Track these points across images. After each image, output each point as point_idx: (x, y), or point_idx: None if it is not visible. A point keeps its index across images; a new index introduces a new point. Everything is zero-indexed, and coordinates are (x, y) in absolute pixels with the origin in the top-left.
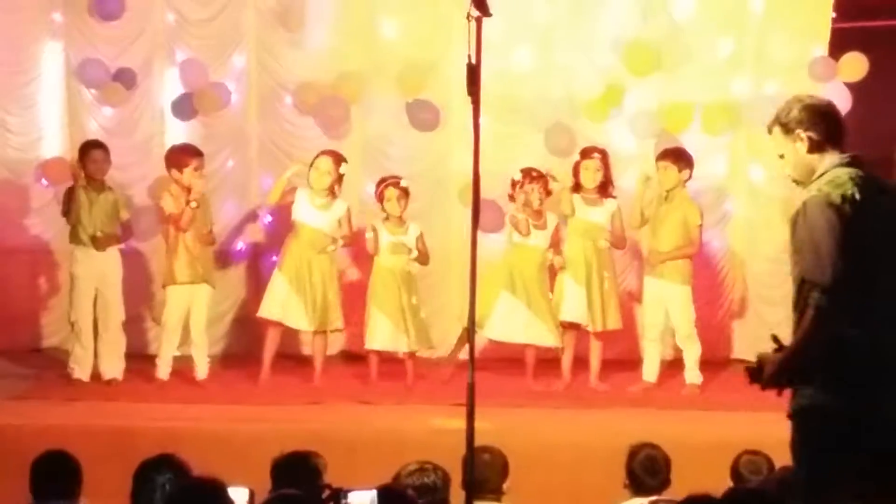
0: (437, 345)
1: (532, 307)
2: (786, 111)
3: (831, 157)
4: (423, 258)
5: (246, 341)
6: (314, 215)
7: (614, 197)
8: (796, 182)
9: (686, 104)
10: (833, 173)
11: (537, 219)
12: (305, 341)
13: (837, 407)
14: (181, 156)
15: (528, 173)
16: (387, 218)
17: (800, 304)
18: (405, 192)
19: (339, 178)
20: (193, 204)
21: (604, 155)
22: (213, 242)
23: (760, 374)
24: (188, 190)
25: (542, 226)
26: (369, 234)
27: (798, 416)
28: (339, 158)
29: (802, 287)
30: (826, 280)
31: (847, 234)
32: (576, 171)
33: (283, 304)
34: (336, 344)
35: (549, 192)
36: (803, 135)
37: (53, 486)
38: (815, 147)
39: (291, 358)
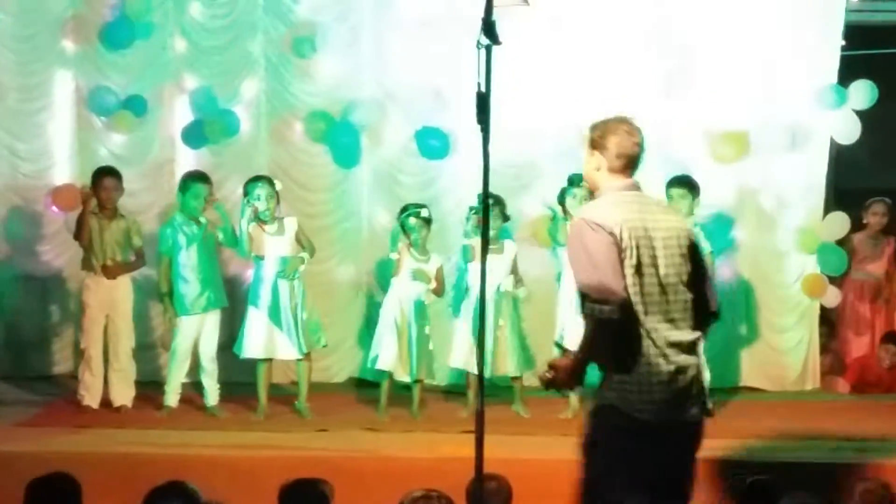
0: (438, 376)
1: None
2: (594, 128)
3: (618, 180)
4: (439, 289)
5: (253, 368)
6: (272, 243)
7: None
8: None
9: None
10: (618, 195)
11: (493, 244)
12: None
13: (621, 405)
14: (191, 181)
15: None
16: (410, 244)
17: (584, 311)
18: (427, 222)
19: (278, 199)
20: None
21: None
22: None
23: (553, 381)
24: (196, 220)
25: (498, 249)
26: (395, 256)
27: (592, 416)
28: (269, 180)
29: (583, 296)
30: (602, 293)
31: (618, 250)
32: (562, 199)
33: (265, 339)
34: (345, 370)
35: (505, 218)
36: (599, 154)
37: None
38: (607, 167)
39: (295, 384)
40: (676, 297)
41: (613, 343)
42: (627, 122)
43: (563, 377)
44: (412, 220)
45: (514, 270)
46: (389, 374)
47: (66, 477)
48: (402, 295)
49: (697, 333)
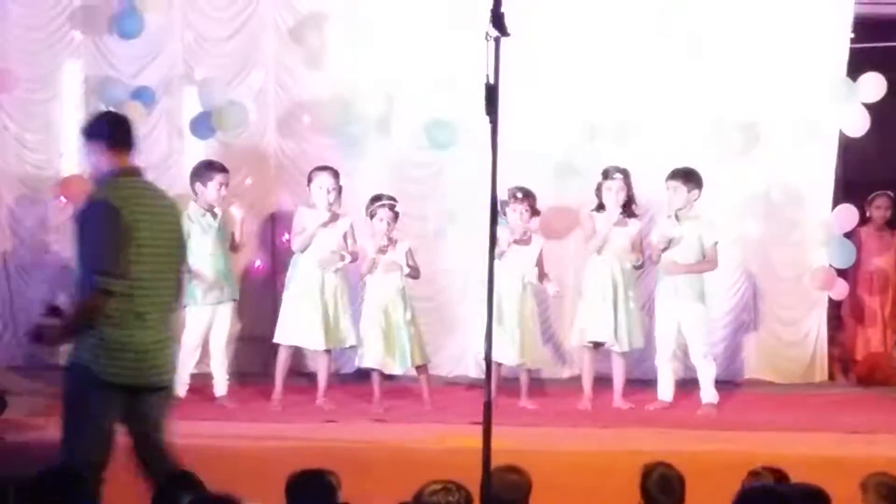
0: (435, 360)
1: (517, 327)
2: (90, 120)
3: (118, 162)
4: (414, 272)
5: (262, 359)
6: (321, 234)
7: (637, 216)
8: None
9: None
10: (118, 180)
11: (522, 236)
12: (310, 358)
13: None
14: (206, 171)
15: (512, 194)
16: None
17: (79, 281)
18: (396, 215)
19: (339, 193)
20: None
21: (626, 175)
22: (237, 250)
23: (41, 337)
24: (211, 211)
25: (525, 241)
26: (372, 255)
27: (67, 371)
28: (336, 173)
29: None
30: (101, 266)
31: (119, 228)
32: (598, 191)
33: (298, 326)
34: (352, 362)
35: (535, 213)
36: (99, 142)
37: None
38: (107, 153)
39: (304, 376)
40: (164, 277)
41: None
42: None
43: (54, 339)
44: (382, 212)
45: (538, 264)
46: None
47: (73, 470)
48: (378, 289)
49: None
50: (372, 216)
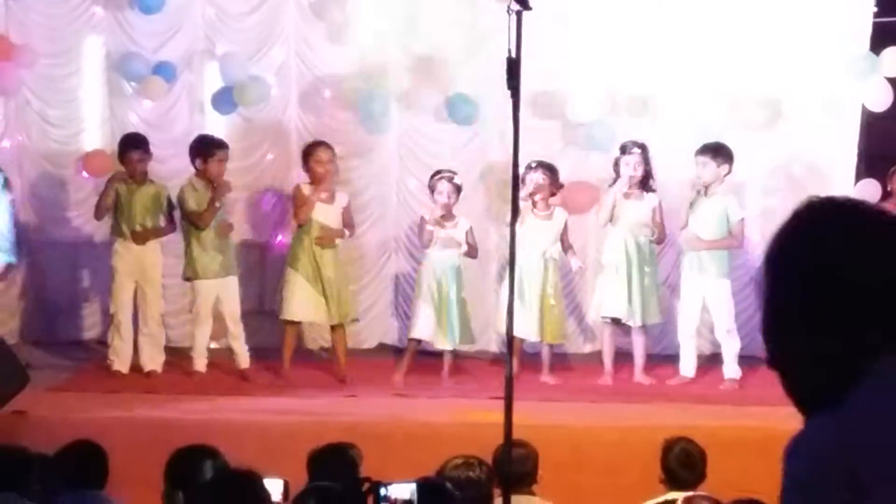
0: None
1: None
2: None
3: None
4: (472, 251)
5: (276, 335)
6: (319, 209)
7: (655, 191)
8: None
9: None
10: None
11: (544, 209)
12: (317, 335)
13: None
14: (207, 146)
15: (528, 165)
16: (440, 213)
17: None
18: (457, 188)
19: (337, 170)
20: (218, 204)
21: (644, 149)
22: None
23: None
24: (212, 185)
25: (547, 216)
26: (430, 227)
27: None
28: (332, 148)
29: None
30: None
31: None
32: (616, 166)
33: (303, 302)
34: (374, 336)
35: (557, 187)
36: None
37: (81, 475)
38: None
39: (325, 351)
40: None
41: None
42: None
43: None
44: (443, 184)
45: (563, 237)
46: (418, 341)
47: (92, 445)
48: (435, 263)
49: None
50: (432, 190)
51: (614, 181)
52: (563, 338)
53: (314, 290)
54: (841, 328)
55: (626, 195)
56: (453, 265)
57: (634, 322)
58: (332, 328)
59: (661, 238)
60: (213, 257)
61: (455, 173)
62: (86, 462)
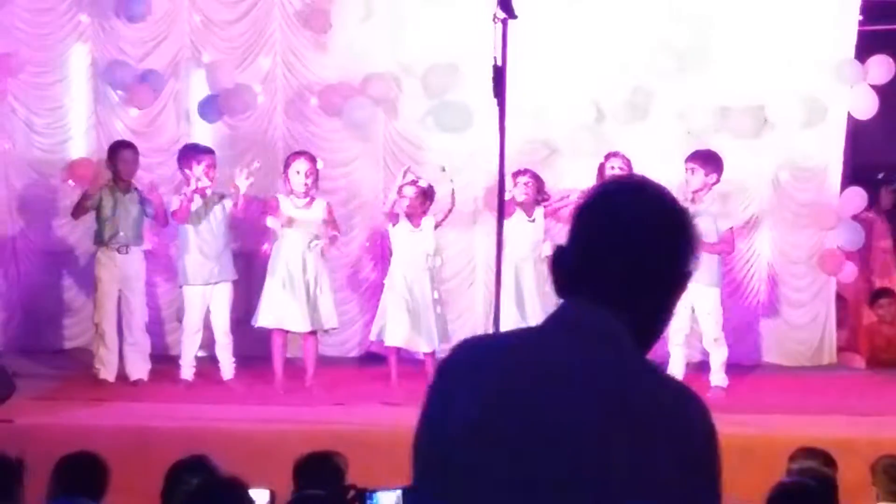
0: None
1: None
2: None
3: None
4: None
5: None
6: (299, 218)
7: None
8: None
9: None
10: None
11: (528, 213)
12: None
13: None
14: (193, 153)
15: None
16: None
17: None
18: (422, 192)
19: (317, 178)
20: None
21: (626, 160)
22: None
23: None
24: (197, 186)
25: (531, 221)
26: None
27: None
28: (313, 158)
29: None
30: None
31: None
32: (601, 173)
33: (278, 308)
34: (362, 345)
35: (540, 192)
36: None
37: (79, 486)
38: None
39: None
40: None
41: None
42: None
43: None
44: (406, 189)
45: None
46: (397, 349)
47: (95, 458)
48: (403, 266)
49: None
50: (399, 194)
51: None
52: None
53: (289, 297)
54: None
55: None
56: (423, 267)
57: None
58: (305, 335)
59: None
60: (204, 263)
61: (419, 178)
62: (85, 473)
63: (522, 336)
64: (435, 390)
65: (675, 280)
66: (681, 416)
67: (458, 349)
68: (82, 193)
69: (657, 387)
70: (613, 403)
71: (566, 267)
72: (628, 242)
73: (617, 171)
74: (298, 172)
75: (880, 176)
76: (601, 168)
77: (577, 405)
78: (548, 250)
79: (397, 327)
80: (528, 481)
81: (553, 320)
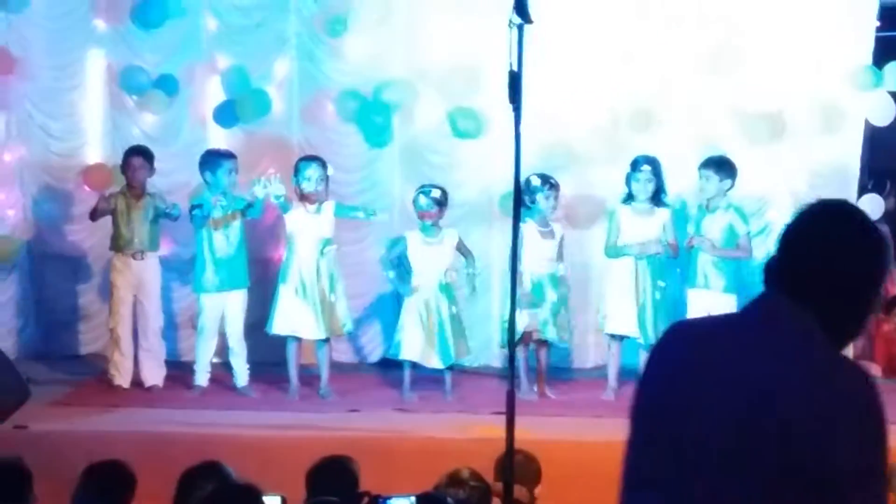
0: (475, 351)
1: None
2: None
3: None
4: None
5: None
6: (311, 223)
7: (667, 205)
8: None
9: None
10: None
11: (544, 227)
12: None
13: None
14: (214, 158)
15: (546, 180)
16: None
17: None
18: (436, 202)
19: (328, 183)
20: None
21: (654, 164)
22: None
23: None
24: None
25: (547, 234)
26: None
27: None
28: (323, 163)
29: None
30: None
31: None
32: (628, 181)
33: (292, 316)
34: (377, 351)
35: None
36: None
37: (107, 495)
38: None
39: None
40: None
41: None
42: None
43: None
44: (422, 200)
45: (559, 253)
46: (412, 362)
47: (124, 468)
48: (422, 280)
49: None
50: (415, 207)
51: (626, 197)
52: (568, 334)
53: (302, 304)
54: None
55: (636, 211)
56: (442, 282)
57: (645, 340)
58: (318, 344)
59: (674, 253)
60: (219, 270)
61: (437, 187)
62: (113, 482)
63: (729, 320)
64: (653, 372)
65: (869, 296)
66: (859, 395)
67: (671, 333)
68: (99, 199)
69: (840, 369)
70: (814, 379)
71: (773, 272)
72: (832, 264)
73: (649, 177)
74: (309, 178)
75: (869, 185)
76: (628, 176)
77: (787, 380)
78: (563, 271)
79: (412, 342)
80: (743, 449)
81: (756, 308)
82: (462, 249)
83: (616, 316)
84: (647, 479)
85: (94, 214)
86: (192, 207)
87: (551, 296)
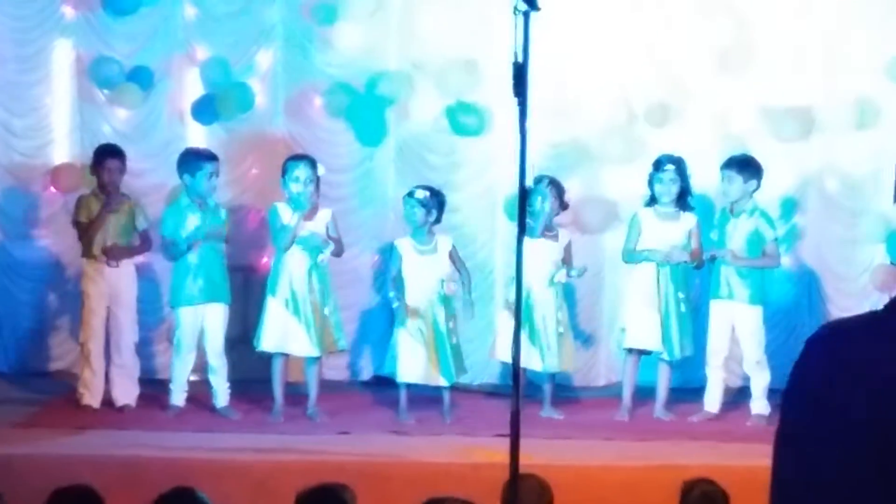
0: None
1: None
2: None
3: None
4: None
5: (268, 364)
6: (301, 230)
7: (693, 209)
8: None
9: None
10: None
11: (548, 232)
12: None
13: None
14: (194, 159)
15: (539, 180)
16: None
17: None
18: (423, 205)
19: (318, 184)
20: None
21: (679, 164)
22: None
23: None
24: (202, 203)
25: (552, 237)
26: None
27: None
28: (314, 163)
29: None
30: None
31: None
32: (650, 183)
33: (282, 331)
34: (369, 368)
35: (563, 206)
36: None
37: None
38: None
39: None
40: None
41: None
42: None
43: None
44: (409, 204)
45: (567, 260)
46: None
47: (91, 492)
48: (416, 293)
49: None
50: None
51: (649, 200)
52: (573, 365)
53: (293, 319)
54: None
55: (660, 215)
56: (439, 293)
57: (669, 355)
58: (308, 361)
59: (699, 263)
60: (196, 281)
61: (424, 188)
62: None
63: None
64: (809, 378)
65: None
66: None
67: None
68: (76, 205)
69: None
70: None
71: None
72: None
73: (673, 178)
74: (298, 179)
75: None
76: (651, 177)
77: None
78: (563, 277)
79: (412, 362)
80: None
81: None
82: (455, 261)
83: (637, 329)
84: None
85: (84, 232)
86: (164, 241)
87: (550, 318)
